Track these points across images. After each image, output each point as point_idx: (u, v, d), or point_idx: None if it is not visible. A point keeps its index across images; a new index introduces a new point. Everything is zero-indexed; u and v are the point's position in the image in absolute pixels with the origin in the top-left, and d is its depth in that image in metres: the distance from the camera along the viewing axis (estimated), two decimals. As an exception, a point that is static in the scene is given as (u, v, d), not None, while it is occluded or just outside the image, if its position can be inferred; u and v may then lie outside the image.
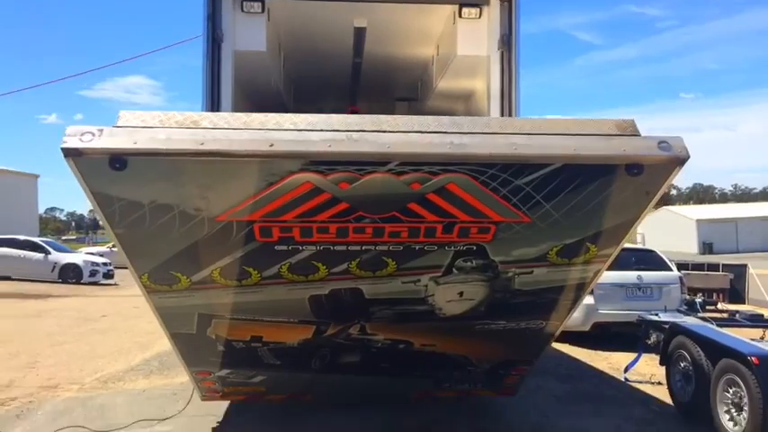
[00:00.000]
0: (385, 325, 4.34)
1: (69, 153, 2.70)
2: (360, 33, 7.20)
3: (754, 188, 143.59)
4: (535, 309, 4.16)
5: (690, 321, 6.71)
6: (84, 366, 8.31)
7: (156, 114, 2.91)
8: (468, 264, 3.67)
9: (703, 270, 19.56)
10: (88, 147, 2.69)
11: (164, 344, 9.91)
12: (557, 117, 3.15)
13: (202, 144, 2.75)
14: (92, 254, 26.22)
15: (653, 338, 7.19)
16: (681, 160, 3.00)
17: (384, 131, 2.92)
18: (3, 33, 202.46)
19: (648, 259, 10.67)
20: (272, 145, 2.79)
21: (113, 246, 31.61)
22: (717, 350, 5.65)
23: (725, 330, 6.17)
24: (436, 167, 2.95)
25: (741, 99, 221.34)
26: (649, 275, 9.99)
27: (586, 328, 9.82)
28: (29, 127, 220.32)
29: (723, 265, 19.83)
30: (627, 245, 12.75)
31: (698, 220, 56.78)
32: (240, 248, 3.39)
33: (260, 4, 6.06)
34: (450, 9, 6.52)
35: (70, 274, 21.42)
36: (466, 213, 3.23)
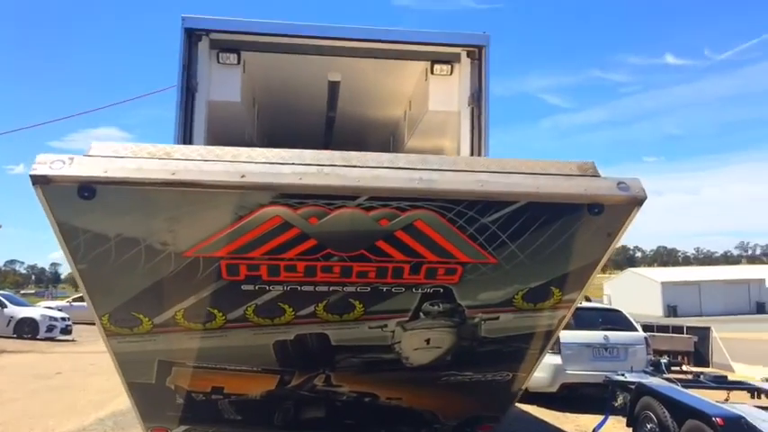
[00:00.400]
0: (351, 375, 4.21)
1: (37, 180, 2.67)
2: (334, 87, 7.29)
3: (716, 251, 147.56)
4: (502, 358, 4.10)
5: (655, 382, 6.71)
6: (34, 426, 7.90)
7: (128, 146, 2.89)
8: (435, 308, 3.64)
9: (668, 332, 19.80)
10: (57, 174, 2.66)
11: (120, 402, 9.53)
12: (522, 159, 3.26)
13: (174, 174, 2.73)
14: (50, 308, 25.36)
15: (619, 400, 7.16)
16: (638, 200, 3.08)
17: (354, 166, 2.95)
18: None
19: (615, 319, 10.73)
20: (243, 176, 2.79)
21: (73, 300, 30.75)
22: (683, 411, 5.64)
23: (690, 391, 6.18)
24: (404, 203, 2.97)
25: (704, 163, 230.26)
26: (616, 336, 10.03)
27: (554, 389, 9.75)
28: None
29: (687, 327, 20.12)
30: (594, 304, 13.01)
31: (663, 283, 57.72)
32: (206, 288, 3.30)
33: (236, 55, 6.14)
34: (422, 66, 6.65)
35: (26, 329, 20.62)
36: (433, 253, 3.23)
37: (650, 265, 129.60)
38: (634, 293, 54.28)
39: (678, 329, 19.87)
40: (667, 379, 7.02)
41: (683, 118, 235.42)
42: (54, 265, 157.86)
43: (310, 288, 3.39)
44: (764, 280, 58.87)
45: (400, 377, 4.26)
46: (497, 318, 3.74)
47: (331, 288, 3.41)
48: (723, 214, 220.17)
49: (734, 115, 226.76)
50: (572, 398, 9.83)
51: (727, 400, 6.37)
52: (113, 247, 3.01)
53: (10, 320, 20.70)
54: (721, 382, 7.19)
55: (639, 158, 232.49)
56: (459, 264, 3.33)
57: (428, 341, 3.90)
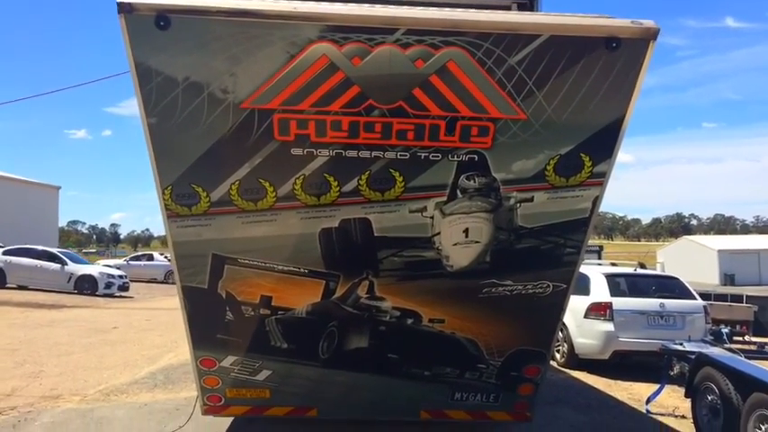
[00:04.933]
0: (394, 284, 4.30)
1: (122, 9, 3.07)
2: None
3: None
4: (539, 261, 4.22)
5: (717, 352, 6.38)
6: (88, 378, 8.14)
7: None
8: (472, 183, 3.85)
9: (726, 301, 19.03)
10: (139, 2, 3.09)
11: (171, 357, 9.79)
12: None
13: (237, 5, 3.19)
14: (108, 266, 26.23)
15: (676, 369, 6.87)
16: (652, 33, 3.34)
17: (392, 3, 3.43)
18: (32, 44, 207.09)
19: (671, 287, 10.28)
20: (295, 8, 3.23)
21: (130, 259, 31.91)
22: (748, 384, 5.32)
23: (755, 363, 5.85)
24: (438, 38, 3.27)
25: (764, 130, 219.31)
26: (672, 303, 9.61)
27: (605, 356, 9.46)
28: (58, 141, 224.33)
29: (747, 296, 19.30)
30: (649, 271, 12.54)
31: (719, 251, 55.68)
32: (259, 152, 3.62)
33: None
34: None
35: (86, 286, 21.39)
36: (466, 105, 3.50)
37: (707, 233, 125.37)
38: (689, 261, 52.51)
39: (737, 298, 19.04)
40: (729, 349, 6.69)
41: (742, 83, 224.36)
42: (114, 225, 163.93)
43: (354, 154, 3.68)
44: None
45: (442, 287, 4.33)
46: (532, 199, 3.92)
47: (373, 153, 3.69)
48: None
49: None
50: (624, 365, 9.53)
51: (793, 372, 6.00)
52: (180, 95, 3.39)
53: (70, 277, 21.46)
54: (788, 354, 6.82)
55: (698, 124, 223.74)
56: (491, 120, 3.57)
57: (466, 233, 4.04)
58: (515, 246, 4.15)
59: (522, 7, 6.00)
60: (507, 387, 5.05)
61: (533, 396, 5.14)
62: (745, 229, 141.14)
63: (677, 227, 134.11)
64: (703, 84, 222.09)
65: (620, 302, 9.52)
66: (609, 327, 9.37)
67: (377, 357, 4.79)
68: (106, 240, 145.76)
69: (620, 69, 3.45)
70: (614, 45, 3.35)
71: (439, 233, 4.05)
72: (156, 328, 13.85)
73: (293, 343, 4.62)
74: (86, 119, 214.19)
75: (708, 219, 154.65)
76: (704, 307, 9.91)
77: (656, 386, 7.37)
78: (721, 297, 19.85)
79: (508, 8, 4.87)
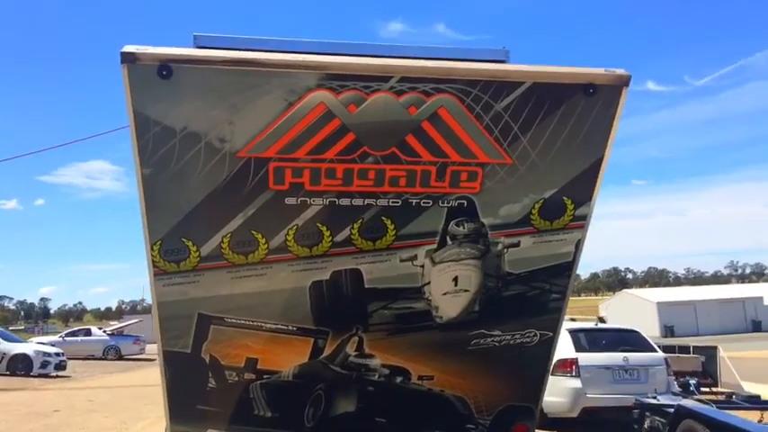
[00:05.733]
0: (383, 339, 4.25)
1: (126, 59, 3.14)
2: None
3: (706, 271, 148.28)
4: (527, 308, 4.28)
5: (694, 404, 6.46)
6: (36, 468, 7.52)
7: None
8: (461, 229, 3.93)
9: (674, 352, 19.48)
10: (143, 52, 3.15)
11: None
12: None
13: (238, 55, 3.29)
14: (43, 343, 24.75)
15: (647, 423, 6.90)
16: (624, 80, 3.61)
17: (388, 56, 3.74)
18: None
19: (632, 340, 10.44)
20: (295, 57, 3.36)
21: (65, 335, 30.23)
22: (731, 434, 5.37)
23: (732, 413, 5.94)
24: (429, 86, 3.43)
25: (690, 185, 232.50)
26: (635, 357, 9.75)
27: (575, 413, 9.44)
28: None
29: (693, 347, 19.83)
30: (610, 325, 12.77)
31: (658, 303, 57.60)
32: (253, 202, 3.61)
33: None
34: None
35: (19, 366, 20.09)
36: (456, 151, 3.63)
37: (642, 286, 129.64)
38: (629, 314, 53.85)
39: (684, 349, 19.55)
40: (699, 400, 6.78)
41: (667, 142, 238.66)
42: (43, 299, 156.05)
43: (347, 202, 3.72)
44: (762, 298, 58.84)
45: (431, 341, 4.31)
46: (518, 243, 4.03)
47: (366, 201, 3.74)
48: (712, 235, 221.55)
49: (715, 139, 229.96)
50: (592, 422, 9.53)
51: (761, 420, 6.14)
52: (177, 144, 3.38)
53: (3, 357, 20.18)
54: (755, 402, 6.99)
55: (628, 181, 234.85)
56: (480, 165, 3.71)
57: (456, 281, 4.09)
58: (503, 293, 4.21)
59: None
60: None
61: None
62: (678, 281, 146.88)
63: (614, 281, 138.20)
64: (631, 143, 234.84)
65: (586, 358, 9.60)
66: (576, 383, 9.40)
67: (364, 423, 4.64)
68: (35, 316, 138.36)
69: (597, 114, 3.66)
70: (591, 91, 3.58)
71: (429, 282, 4.08)
72: (100, 408, 13.06)
73: (277, 410, 4.43)
74: (17, 189, 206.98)
75: (642, 272, 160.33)
76: (665, 359, 10.10)
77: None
78: (669, 348, 20.33)
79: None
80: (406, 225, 3.89)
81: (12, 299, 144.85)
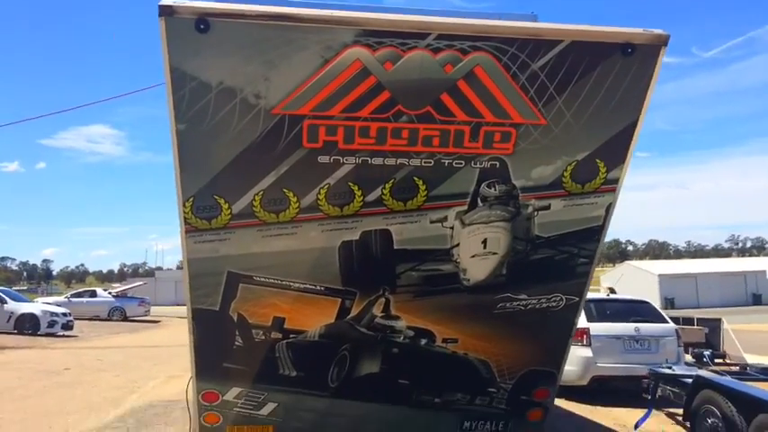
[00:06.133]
0: (409, 301, 4.24)
1: (163, 12, 3.07)
2: None
3: (707, 245, 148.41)
4: (554, 272, 4.26)
5: (712, 374, 6.45)
6: (53, 424, 7.57)
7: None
8: (492, 191, 3.89)
9: (678, 324, 19.56)
10: (181, 5, 3.10)
11: (135, 399, 9.24)
12: None
13: (275, 9, 3.20)
14: (49, 303, 24.90)
15: (659, 393, 6.93)
16: (663, 39, 3.51)
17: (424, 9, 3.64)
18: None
19: (643, 311, 10.46)
20: (332, 13, 3.28)
21: (71, 296, 30.33)
22: (752, 405, 5.36)
23: (751, 383, 5.94)
24: (467, 43, 3.35)
25: (694, 158, 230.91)
26: (646, 327, 9.75)
27: (585, 382, 9.48)
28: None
29: (698, 319, 19.89)
30: (622, 296, 12.77)
31: (660, 275, 57.68)
32: (286, 159, 3.56)
33: None
34: None
35: (26, 325, 20.22)
36: (490, 111, 3.56)
37: (642, 258, 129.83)
38: (630, 286, 54.07)
39: (688, 321, 19.61)
40: (714, 371, 6.78)
41: (674, 114, 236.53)
42: (46, 261, 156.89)
43: (380, 161, 3.67)
44: (765, 272, 58.87)
45: (458, 304, 4.29)
46: (549, 206, 3.99)
47: (398, 161, 3.69)
48: (714, 208, 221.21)
49: (722, 111, 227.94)
50: (601, 391, 9.58)
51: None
52: (213, 99, 3.33)
53: (10, 316, 20.27)
54: (770, 374, 6.98)
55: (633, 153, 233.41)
56: (514, 126, 3.64)
57: (485, 243, 4.07)
58: (531, 257, 4.19)
59: None
60: (517, 413, 4.97)
61: (542, 423, 5.06)
62: (678, 254, 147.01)
63: (615, 252, 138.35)
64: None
65: (597, 328, 9.60)
66: (587, 352, 9.42)
67: (387, 384, 4.66)
68: (37, 277, 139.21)
69: (635, 74, 3.60)
70: (629, 50, 3.51)
71: (458, 244, 4.07)
72: (109, 368, 13.15)
73: (302, 370, 4.45)
74: (19, 151, 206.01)
75: (643, 244, 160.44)
76: (676, 330, 10.11)
77: (637, 410, 7.42)
78: (674, 320, 20.41)
79: None
80: (438, 186, 3.85)
81: (14, 260, 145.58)
